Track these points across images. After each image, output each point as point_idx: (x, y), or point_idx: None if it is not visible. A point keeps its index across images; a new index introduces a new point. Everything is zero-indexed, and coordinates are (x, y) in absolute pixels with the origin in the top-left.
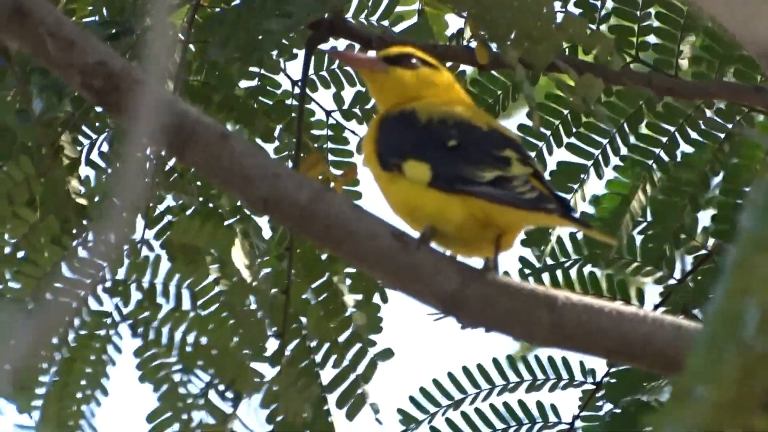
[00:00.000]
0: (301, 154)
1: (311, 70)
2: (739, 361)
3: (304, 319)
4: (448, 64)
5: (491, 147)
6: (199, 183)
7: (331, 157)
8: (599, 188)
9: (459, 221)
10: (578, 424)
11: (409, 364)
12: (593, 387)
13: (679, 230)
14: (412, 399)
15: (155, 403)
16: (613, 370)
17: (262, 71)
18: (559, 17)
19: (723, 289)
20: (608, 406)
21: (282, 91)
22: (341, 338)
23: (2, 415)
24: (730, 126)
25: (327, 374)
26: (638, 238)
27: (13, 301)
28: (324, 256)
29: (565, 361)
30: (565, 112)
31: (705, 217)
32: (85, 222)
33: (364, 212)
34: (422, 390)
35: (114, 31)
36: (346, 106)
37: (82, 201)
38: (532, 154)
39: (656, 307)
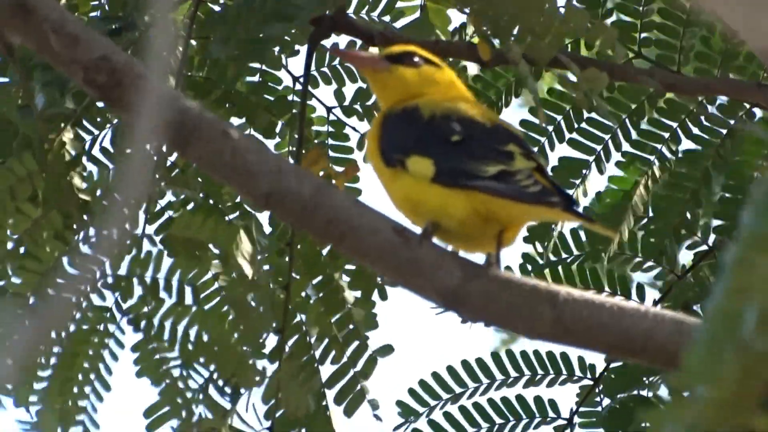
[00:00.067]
0: (302, 151)
1: (312, 66)
2: (738, 361)
3: (303, 315)
4: (450, 60)
5: (494, 142)
6: (200, 179)
7: (331, 154)
8: (601, 184)
9: (462, 216)
10: (576, 420)
11: (409, 358)
12: (591, 383)
13: (681, 226)
14: (411, 391)
15: (155, 398)
16: (612, 365)
17: (264, 67)
18: (561, 11)
19: (722, 288)
20: (606, 401)
21: (283, 87)
22: (341, 334)
23: (3, 409)
24: (732, 122)
25: (326, 370)
26: (639, 234)
27: (15, 296)
28: (324, 252)
29: (564, 356)
30: (567, 107)
31: (706, 213)
32: (87, 217)
33: (365, 207)
34: (421, 383)
35: (116, 26)
36: (347, 103)
37: (85, 197)
38: (534, 149)
39: (656, 302)
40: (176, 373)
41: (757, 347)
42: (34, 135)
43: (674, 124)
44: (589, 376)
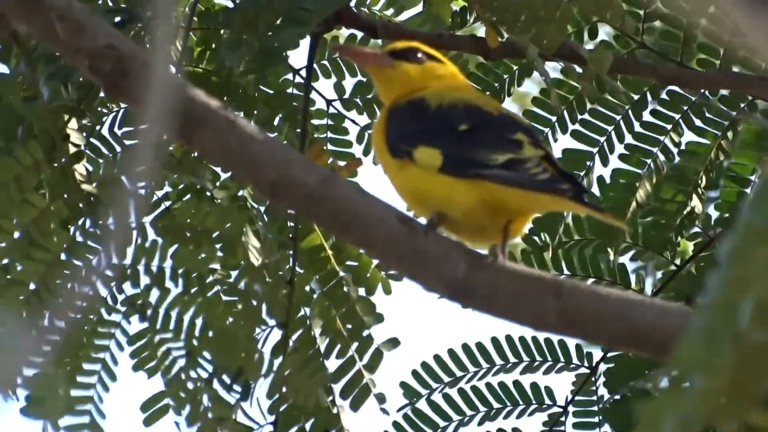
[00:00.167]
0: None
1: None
2: (733, 352)
3: (307, 309)
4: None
5: (502, 130)
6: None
7: (331, 147)
8: (604, 176)
9: (469, 207)
10: (571, 408)
11: (411, 342)
12: (588, 371)
13: (683, 218)
14: (414, 373)
15: (157, 390)
16: (609, 355)
17: None
18: None
19: (719, 279)
20: (603, 390)
21: (282, 80)
22: (345, 328)
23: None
24: (734, 114)
25: (331, 365)
26: (642, 227)
27: (19, 284)
28: (328, 246)
29: (561, 343)
30: (571, 98)
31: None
32: (93, 207)
33: (371, 197)
34: (424, 365)
35: (120, 18)
36: (347, 96)
37: (90, 188)
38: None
39: (655, 293)
40: (182, 363)
41: (752, 338)
42: (39, 121)
43: (677, 116)
44: (586, 364)
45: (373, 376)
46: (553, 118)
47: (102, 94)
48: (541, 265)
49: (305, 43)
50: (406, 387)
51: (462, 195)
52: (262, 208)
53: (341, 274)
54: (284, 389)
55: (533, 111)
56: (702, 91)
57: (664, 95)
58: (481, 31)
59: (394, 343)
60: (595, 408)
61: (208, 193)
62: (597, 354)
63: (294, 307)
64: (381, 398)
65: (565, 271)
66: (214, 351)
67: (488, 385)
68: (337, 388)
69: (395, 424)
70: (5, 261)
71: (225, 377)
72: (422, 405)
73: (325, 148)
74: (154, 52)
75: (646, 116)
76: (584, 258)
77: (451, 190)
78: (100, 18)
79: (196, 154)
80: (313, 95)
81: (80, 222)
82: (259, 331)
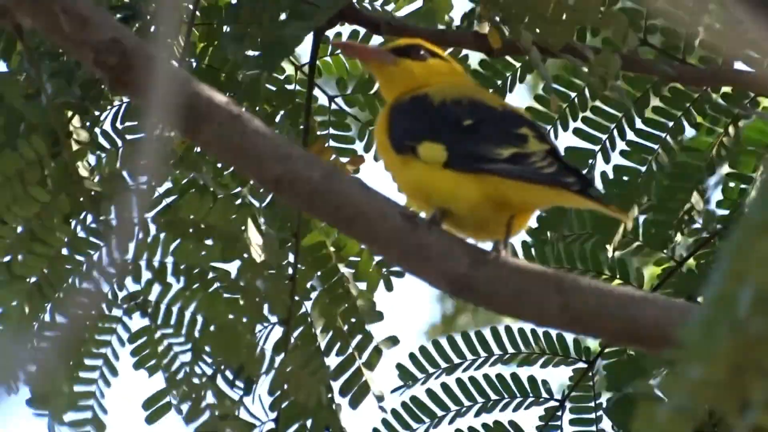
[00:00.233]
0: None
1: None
2: (732, 341)
3: (308, 306)
4: (451, 50)
5: (507, 125)
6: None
7: (333, 143)
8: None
9: (473, 202)
10: (568, 404)
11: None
12: (585, 366)
13: (684, 214)
14: (411, 356)
15: (159, 386)
16: (607, 350)
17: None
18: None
19: (721, 270)
20: (600, 386)
21: (284, 76)
22: (346, 326)
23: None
24: (736, 111)
25: (331, 362)
26: (642, 223)
27: (20, 279)
28: (329, 243)
29: (560, 337)
30: (573, 95)
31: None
32: (95, 202)
33: (374, 193)
34: (422, 349)
35: (124, 15)
36: (349, 92)
37: (92, 184)
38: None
39: (654, 288)
40: (184, 358)
41: (750, 329)
42: (41, 120)
43: (678, 113)
44: (584, 358)
45: (372, 373)
46: (555, 115)
47: (105, 89)
48: (541, 259)
49: (308, 39)
50: (402, 369)
51: (467, 190)
52: (262, 205)
53: (342, 270)
54: (285, 386)
55: (535, 108)
56: (704, 88)
57: (665, 92)
58: (484, 29)
59: (393, 341)
60: (592, 404)
61: (211, 189)
62: (595, 349)
63: (295, 304)
64: (379, 397)
65: (565, 265)
66: (216, 347)
67: (486, 377)
68: (336, 385)
69: (394, 412)
70: (7, 258)
71: (228, 373)
72: (420, 394)
73: (327, 145)
74: (159, 46)
75: (648, 113)
76: (585, 252)
77: (455, 184)
78: (104, 12)
79: (198, 150)
80: (315, 91)
81: (82, 217)
82: (261, 327)
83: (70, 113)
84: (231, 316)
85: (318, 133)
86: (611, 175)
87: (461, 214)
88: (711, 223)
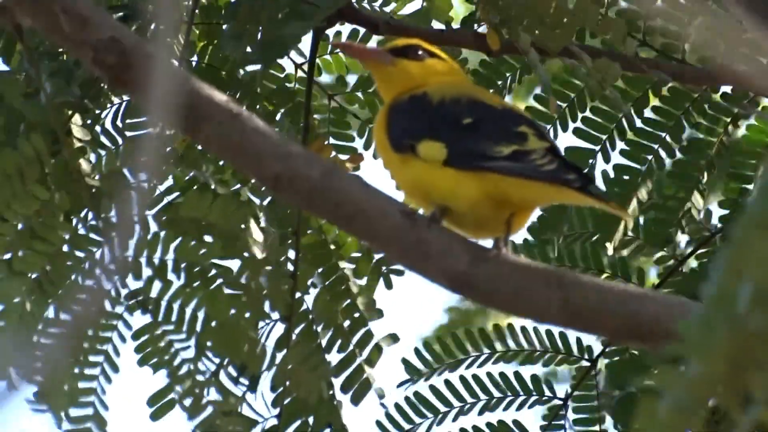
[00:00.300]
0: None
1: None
2: (731, 337)
3: (309, 302)
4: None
5: (507, 123)
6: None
7: (333, 141)
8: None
9: (473, 199)
10: (570, 404)
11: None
12: (588, 364)
13: (684, 214)
14: (416, 351)
15: (161, 384)
16: (609, 349)
17: None
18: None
19: (721, 266)
20: (603, 386)
21: (284, 75)
22: (347, 323)
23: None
24: (735, 110)
25: (332, 359)
26: (643, 222)
27: (23, 276)
28: (330, 240)
29: (562, 335)
30: (572, 95)
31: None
32: (96, 200)
33: (374, 190)
34: (426, 344)
35: (123, 14)
36: (348, 90)
37: (93, 181)
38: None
39: (655, 287)
40: (186, 355)
41: (750, 324)
42: (40, 118)
43: (678, 113)
44: (586, 357)
45: (373, 370)
46: (555, 116)
47: (105, 87)
48: (542, 256)
49: (307, 38)
50: (407, 364)
51: (467, 188)
52: (263, 203)
53: (342, 267)
54: (287, 383)
55: (534, 107)
56: (704, 88)
57: (665, 92)
58: (483, 30)
59: (393, 338)
60: (595, 403)
61: (212, 187)
62: (597, 347)
63: (297, 301)
64: (381, 393)
65: (566, 263)
66: (217, 344)
67: (489, 374)
68: (337, 382)
69: (397, 406)
70: (8, 255)
71: (232, 370)
72: (424, 389)
73: (327, 143)
74: (158, 45)
75: (648, 113)
76: (586, 251)
77: (455, 182)
78: (104, 11)
79: (199, 147)
80: (315, 89)
81: (83, 214)
82: (263, 324)
83: (70, 112)
84: (232, 313)
85: (318, 131)
86: (612, 174)
87: (461, 212)
88: (710, 221)
